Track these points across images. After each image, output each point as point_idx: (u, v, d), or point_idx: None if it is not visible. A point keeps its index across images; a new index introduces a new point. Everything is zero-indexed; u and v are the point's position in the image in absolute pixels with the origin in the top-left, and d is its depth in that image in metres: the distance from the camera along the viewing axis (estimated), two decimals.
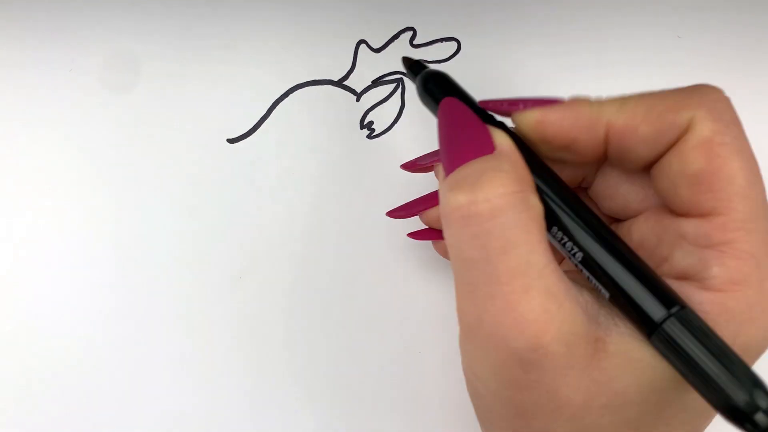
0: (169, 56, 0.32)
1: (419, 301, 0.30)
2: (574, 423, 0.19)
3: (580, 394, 0.19)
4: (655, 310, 0.18)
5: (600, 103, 0.21)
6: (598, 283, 0.20)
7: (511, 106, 0.22)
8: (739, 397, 0.16)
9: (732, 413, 0.16)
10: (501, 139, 0.21)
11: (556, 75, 0.32)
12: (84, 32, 0.32)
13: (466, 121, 0.22)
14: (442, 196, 0.20)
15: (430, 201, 0.27)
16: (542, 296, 0.18)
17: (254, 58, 0.32)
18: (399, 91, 0.32)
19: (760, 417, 0.16)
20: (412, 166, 0.27)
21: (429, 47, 0.32)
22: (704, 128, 0.19)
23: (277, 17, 0.32)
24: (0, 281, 0.30)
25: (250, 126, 0.31)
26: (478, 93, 0.32)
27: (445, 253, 0.28)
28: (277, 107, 0.32)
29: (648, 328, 0.19)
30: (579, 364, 0.19)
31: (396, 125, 0.32)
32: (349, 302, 0.30)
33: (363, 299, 0.30)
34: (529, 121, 0.21)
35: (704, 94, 0.20)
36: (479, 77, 0.32)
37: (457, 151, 0.21)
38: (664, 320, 0.18)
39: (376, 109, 0.32)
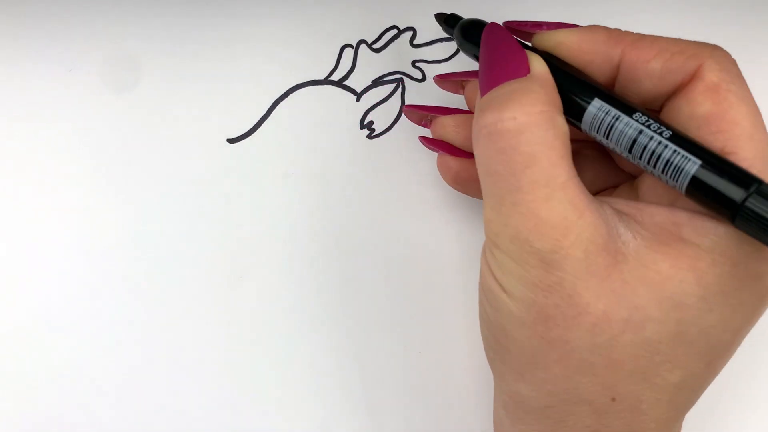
0: (169, 56, 0.32)
1: (419, 300, 0.30)
2: (593, 336, 0.20)
3: (600, 303, 0.20)
4: (734, 190, 0.18)
5: (618, 32, 0.23)
6: (673, 171, 0.20)
7: (534, 26, 0.24)
8: None
9: None
10: (537, 63, 0.22)
11: None
12: (84, 32, 0.32)
13: (506, 45, 0.23)
14: (474, 116, 0.22)
15: (446, 111, 0.28)
16: (563, 205, 0.20)
17: (254, 58, 0.32)
18: (399, 91, 0.32)
19: None
20: (444, 77, 0.28)
21: (429, 47, 0.32)
22: (713, 75, 0.21)
23: (277, 17, 0.32)
24: (0, 281, 0.30)
25: (250, 126, 0.31)
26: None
27: (445, 171, 0.28)
28: (277, 107, 0.32)
29: (729, 209, 0.19)
30: (599, 273, 0.20)
31: (396, 125, 0.32)
32: (348, 302, 0.30)
33: (363, 299, 0.30)
34: (550, 41, 0.23)
35: (714, 49, 0.22)
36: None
37: (493, 73, 0.22)
38: (747, 197, 0.18)
39: (376, 109, 0.32)
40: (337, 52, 0.32)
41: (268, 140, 0.31)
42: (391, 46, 0.32)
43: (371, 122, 0.32)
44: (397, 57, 0.32)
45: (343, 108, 0.32)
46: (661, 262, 0.20)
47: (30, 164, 0.31)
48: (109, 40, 0.32)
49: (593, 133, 0.22)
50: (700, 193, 0.19)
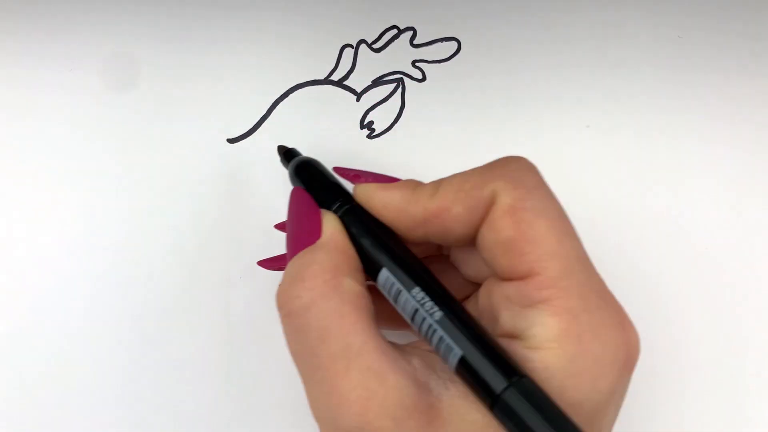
0: (169, 56, 0.32)
1: None
2: None
3: None
4: (495, 380, 0.18)
5: (421, 187, 0.22)
6: (444, 352, 0.20)
7: (354, 177, 0.24)
8: None
9: None
10: (328, 227, 0.23)
11: (555, 74, 0.32)
12: (84, 32, 0.32)
13: (305, 209, 0.24)
14: None
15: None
16: (362, 374, 0.19)
17: (254, 59, 0.32)
18: (399, 91, 0.32)
19: None
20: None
21: (429, 47, 0.32)
22: (506, 197, 0.20)
23: (277, 17, 0.32)
24: (0, 281, 0.30)
25: (250, 126, 0.31)
26: (478, 93, 0.32)
27: None
28: (277, 107, 0.32)
29: (490, 399, 0.19)
30: None
31: (396, 125, 0.32)
32: None
33: None
34: (362, 195, 0.23)
35: (505, 166, 0.21)
36: (479, 77, 0.32)
37: (291, 242, 0.23)
38: (503, 391, 0.18)
39: (376, 109, 0.32)
40: (337, 52, 0.32)
41: (268, 140, 0.31)
42: (391, 46, 0.32)
43: (371, 122, 0.32)
44: (397, 57, 0.32)
45: (343, 108, 0.32)
46: (475, 412, 0.19)
47: (30, 164, 0.31)
48: (109, 40, 0.32)
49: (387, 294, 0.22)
50: (466, 377, 0.19)
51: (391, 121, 0.32)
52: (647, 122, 0.32)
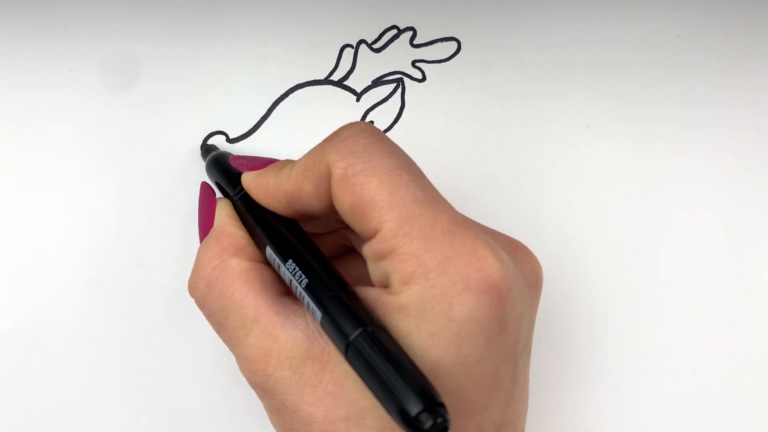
0: (169, 56, 0.32)
1: None
2: None
3: (320, 409, 0.21)
4: (342, 336, 0.20)
5: (283, 170, 0.24)
6: (312, 313, 0.22)
7: (239, 167, 0.26)
8: (409, 407, 0.18)
9: (404, 422, 0.18)
10: (218, 213, 0.25)
11: (555, 74, 0.32)
12: (84, 32, 0.32)
13: (205, 202, 0.26)
14: None
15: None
16: (258, 338, 0.22)
17: (254, 59, 0.32)
18: (399, 91, 0.32)
19: (424, 417, 0.18)
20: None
21: (429, 47, 0.32)
22: (337, 167, 0.22)
23: (277, 17, 0.32)
24: (0, 280, 0.30)
25: (250, 126, 0.31)
26: (478, 93, 0.32)
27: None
28: (277, 107, 0.32)
29: (344, 351, 0.20)
30: (311, 381, 0.21)
31: (396, 125, 0.32)
32: None
33: None
34: (244, 184, 0.25)
35: (337, 136, 0.22)
36: (479, 77, 0.32)
37: (199, 235, 0.26)
38: (348, 344, 0.20)
39: (376, 109, 0.32)
40: (337, 52, 0.32)
41: (268, 140, 0.31)
42: (391, 46, 0.32)
43: (371, 122, 0.32)
44: (397, 57, 0.32)
45: (343, 108, 0.32)
46: None
47: (30, 164, 0.31)
48: (109, 40, 0.32)
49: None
50: (327, 333, 0.21)
51: (391, 121, 0.32)
52: (647, 122, 0.32)
